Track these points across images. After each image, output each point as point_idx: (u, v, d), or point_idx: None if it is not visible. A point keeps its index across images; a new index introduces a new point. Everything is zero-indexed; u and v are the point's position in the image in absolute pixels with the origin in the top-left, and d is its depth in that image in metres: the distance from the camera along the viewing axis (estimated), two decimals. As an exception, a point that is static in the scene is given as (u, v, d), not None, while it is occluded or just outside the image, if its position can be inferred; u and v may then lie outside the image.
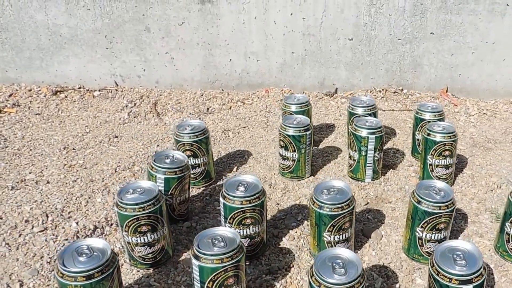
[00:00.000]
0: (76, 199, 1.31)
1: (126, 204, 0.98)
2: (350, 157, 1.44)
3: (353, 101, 1.58)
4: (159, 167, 1.14)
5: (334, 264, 0.82)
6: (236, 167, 1.51)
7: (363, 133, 1.36)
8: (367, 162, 1.39)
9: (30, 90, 2.09)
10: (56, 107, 1.99)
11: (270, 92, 2.04)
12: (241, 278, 0.89)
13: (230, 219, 1.03)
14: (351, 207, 1.02)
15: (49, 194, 1.33)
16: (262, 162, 1.55)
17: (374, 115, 1.55)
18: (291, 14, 1.90)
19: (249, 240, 1.06)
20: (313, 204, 1.03)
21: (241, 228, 1.03)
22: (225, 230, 0.91)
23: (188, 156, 1.31)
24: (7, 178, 1.43)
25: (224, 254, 0.85)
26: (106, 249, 0.83)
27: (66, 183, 1.39)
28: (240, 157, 1.59)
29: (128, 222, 0.98)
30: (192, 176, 1.35)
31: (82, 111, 1.96)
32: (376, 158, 1.39)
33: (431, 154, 1.33)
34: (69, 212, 1.25)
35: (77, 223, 1.20)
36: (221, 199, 1.04)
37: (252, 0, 1.87)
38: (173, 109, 1.95)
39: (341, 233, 1.03)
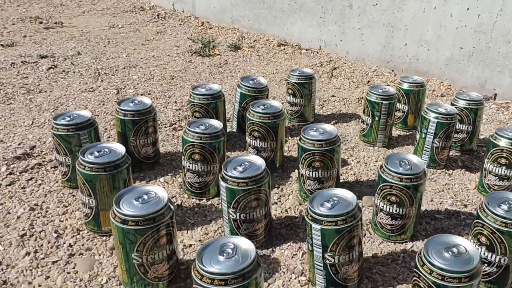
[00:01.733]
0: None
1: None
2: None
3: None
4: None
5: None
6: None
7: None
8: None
9: (267, 40, 2.80)
10: (273, 55, 2.62)
11: (430, 82, 2.06)
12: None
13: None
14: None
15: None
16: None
17: None
18: (468, 8, 1.86)
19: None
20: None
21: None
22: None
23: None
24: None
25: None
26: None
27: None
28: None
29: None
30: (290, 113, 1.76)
31: (286, 61, 2.53)
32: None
33: None
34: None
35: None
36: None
37: (436, -10, 1.94)
38: (345, 76, 2.27)
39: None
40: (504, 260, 0.97)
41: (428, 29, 2.04)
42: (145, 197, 0.98)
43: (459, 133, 1.52)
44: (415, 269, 0.87)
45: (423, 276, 0.85)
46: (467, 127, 1.51)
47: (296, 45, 2.66)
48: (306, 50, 2.60)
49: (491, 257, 0.98)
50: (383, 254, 1.14)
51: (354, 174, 1.46)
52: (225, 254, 0.84)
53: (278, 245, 1.16)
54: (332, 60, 2.45)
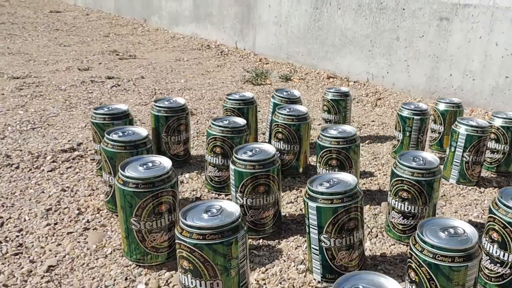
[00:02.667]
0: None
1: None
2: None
3: None
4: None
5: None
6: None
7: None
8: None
9: (318, 73, 2.85)
10: (322, 86, 2.66)
11: (475, 112, 1.98)
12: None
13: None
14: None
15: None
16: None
17: None
18: (515, 36, 1.80)
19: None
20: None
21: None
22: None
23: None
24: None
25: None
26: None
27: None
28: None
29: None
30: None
31: (332, 92, 2.55)
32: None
33: None
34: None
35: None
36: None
37: (481, 20, 1.91)
38: (388, 105, 2.25)
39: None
40: (519, 261, 0.89)
41: (473, 59, 1.99)
42: (150, 164, 1.03)
43: (495, 153, 1.44)
44: (409, 251, 0.83)
45: (414, 255, 0.80)
46: (504, 147, 1.43)
47: (345, 78, 2.69)
48: (354, 82, 2.62)
49: (503, 256, 0.90)
50: (392, 254, 1.09)
51: (378, 184, 1.42)
52: (209, 213, 0.85)
53: (285, 238, 1.15)
54: (378, 92, 2.44)
